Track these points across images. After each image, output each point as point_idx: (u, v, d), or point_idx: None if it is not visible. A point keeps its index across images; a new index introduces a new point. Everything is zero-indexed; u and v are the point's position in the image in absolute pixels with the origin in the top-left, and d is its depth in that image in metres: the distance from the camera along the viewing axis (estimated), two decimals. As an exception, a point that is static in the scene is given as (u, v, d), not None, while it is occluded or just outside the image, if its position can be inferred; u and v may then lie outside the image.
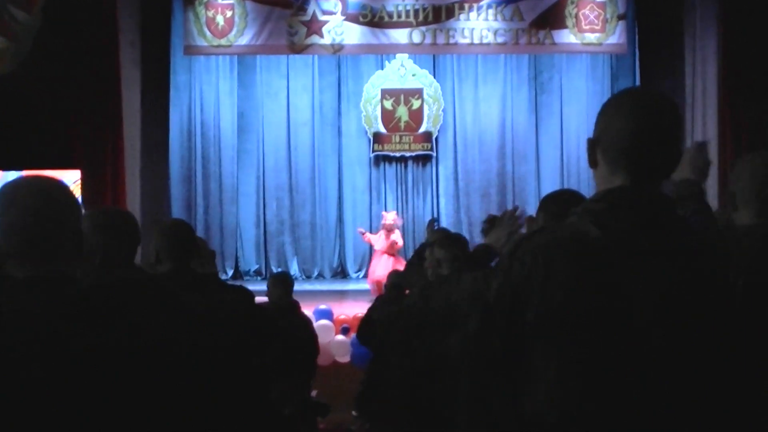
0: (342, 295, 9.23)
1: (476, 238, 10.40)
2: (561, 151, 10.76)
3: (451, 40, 9.27)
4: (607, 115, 1.25)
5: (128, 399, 1.20)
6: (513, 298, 1.21)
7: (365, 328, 3.89)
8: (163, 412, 1.24)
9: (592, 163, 1.28)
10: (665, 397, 1.13)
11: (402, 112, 10.70)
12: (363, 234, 9.28)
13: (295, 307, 4.58)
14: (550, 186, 9.76)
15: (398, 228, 9.02)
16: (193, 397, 1.29)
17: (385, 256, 8.61)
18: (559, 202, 1.92)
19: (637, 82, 9.76)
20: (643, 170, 1.21)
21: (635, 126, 1.20)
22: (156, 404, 1.24)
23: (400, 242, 8.86)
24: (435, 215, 10.75)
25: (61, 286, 1.23)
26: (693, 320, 1.15)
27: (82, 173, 7.90)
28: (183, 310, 1.37)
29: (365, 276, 10.46)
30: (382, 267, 8.36)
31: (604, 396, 1.14)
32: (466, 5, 9.27)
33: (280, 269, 10.25)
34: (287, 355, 3.81)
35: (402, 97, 10.69)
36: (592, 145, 1.27)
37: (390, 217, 8.94)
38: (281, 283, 4.58)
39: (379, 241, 8.83)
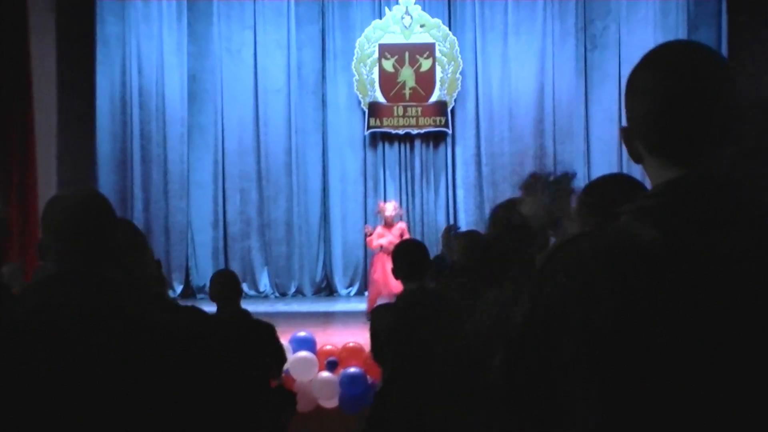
0: (327, 318, 9.14)
1: (506, 243, 10.74)
2: (618, 125, 10.61)
3: (473, -22, 9.27)
4: (633, 92, 1.28)
5: (127, 400, 1.56)
6: (544, 327, 1.25)
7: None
8: (158, 417, 1.60)
9: (636, 157, 1.32)
10: None
11: (407, 75, 10.66)
12: (369, 235, 8.99)
13: (247, 316, 4.41)
14: (603, 171, 9.65)
15: (400, 218, 8.93)
16: (187, 404, 1.66)
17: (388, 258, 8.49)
18: (602, 191, 1.86)
19: (723, 34, 9.72)
20: (702, 151, 1.24)
21: (679, 97, 1.23)
22: (153, 407, 1.59)
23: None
24: (451, 212, 10.66)
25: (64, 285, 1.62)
26: None
27: (-22, 156, 7.85)
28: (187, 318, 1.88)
29: (358, 293, 10.37)
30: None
31: None
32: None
33: (244, 284, 10.13)
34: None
35: (407, 55, 10.64)
36: (629, 135, 1.30)
37: (390, 207, 8.86)
38: (219, 280, 4.40)
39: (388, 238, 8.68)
